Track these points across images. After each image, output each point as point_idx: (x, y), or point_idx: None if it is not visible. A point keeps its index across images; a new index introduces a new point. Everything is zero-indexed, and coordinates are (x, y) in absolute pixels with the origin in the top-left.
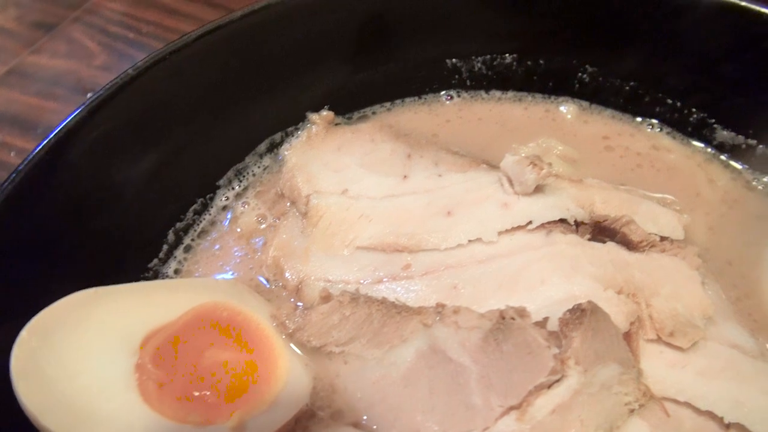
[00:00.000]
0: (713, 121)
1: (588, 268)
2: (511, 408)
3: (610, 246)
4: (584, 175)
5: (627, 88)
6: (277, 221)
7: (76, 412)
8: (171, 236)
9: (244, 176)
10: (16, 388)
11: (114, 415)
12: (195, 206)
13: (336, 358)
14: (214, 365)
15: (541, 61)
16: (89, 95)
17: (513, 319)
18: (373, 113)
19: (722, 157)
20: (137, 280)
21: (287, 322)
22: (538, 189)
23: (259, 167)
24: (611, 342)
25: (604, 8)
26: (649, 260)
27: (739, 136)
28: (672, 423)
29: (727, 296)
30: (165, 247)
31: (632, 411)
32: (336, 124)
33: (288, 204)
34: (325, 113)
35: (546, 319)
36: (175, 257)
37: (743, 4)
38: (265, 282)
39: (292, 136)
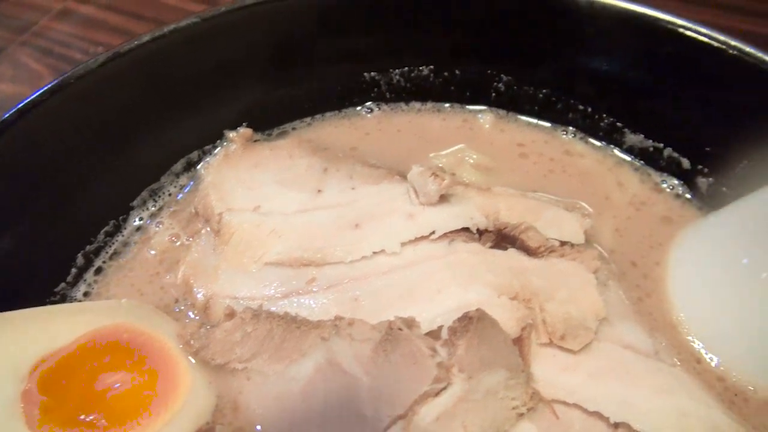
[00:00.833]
0: (622, 125)
1: (485, 275)
2: (399, 417)
3: (511, 253)
4: (498, 183)
5: (541, 95)
6: (190, 240)
7: None
8: (80, 259)
9: (159, 196)
10: None
11: None
12: (107, 228)
13: (239, 374)
14: (106, 388)
15: (457, 72)
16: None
17: (400, 329)
18: (293, 129)
19: (632, 161)
20: (42, 304)
21: (192, 341)
22: (444, 199)
23: (175, 187)
24: (499, 348)
25: (515, 19)
26: (547, 265)
27: (648, 139)
28: (561, 425)
29: (630, 296)
30: (74, 270)
31: (521, 415)
32: (255, 141)
33: (202, 223)
34: (243, 130)
35: (440, 328)
36: (85, 280)
37: (643, 11)
38: (174, 302)
39: (210, 154)
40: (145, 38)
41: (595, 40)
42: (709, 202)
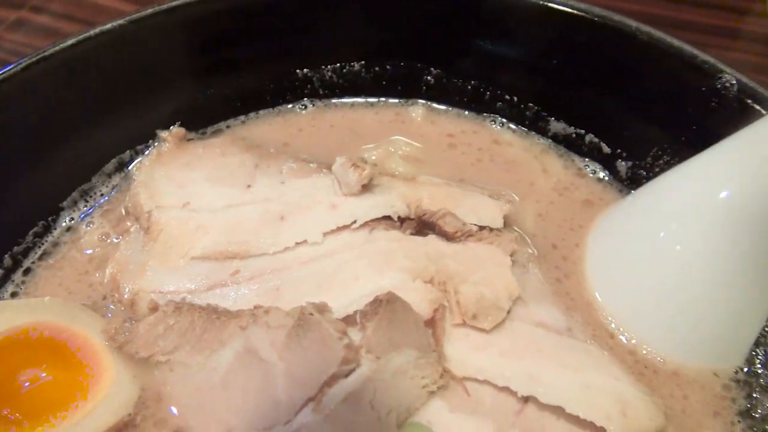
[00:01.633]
0: (546, 114)
1: (402, 261)
2: (309, 399)
3: (430, 239)
4: (427, 173)
5: (469, 87)
6: (120, 239)
7: None
8: (8, 260)
9: (90, 196)
10: None
11: None
12: (36, 229)
13: (163, 367)
14: (22, 384)
15: (388, 67)
16: None
17: (311, 314)
18: (228, 127)
19: (556, 148)
20: None
21: (116, 335)
22: (367, 189)
23: (107, 187)
24: (409, 329)
25: (439, 14)
26: (464, 250)
27: (570, 126)
28: (472, 401)
29: (549, 278)
30: (1, 271)
31: (432, 393)
32: (189, 140)
33: (132, 221)
34: (176, 130)
35: (356, 313)
36: (13, 281)
37: (557, 7)
38: (102, 299)
39: (142, 154)
40: (71, 41)
41: (516, 32)
42: (628, 185)
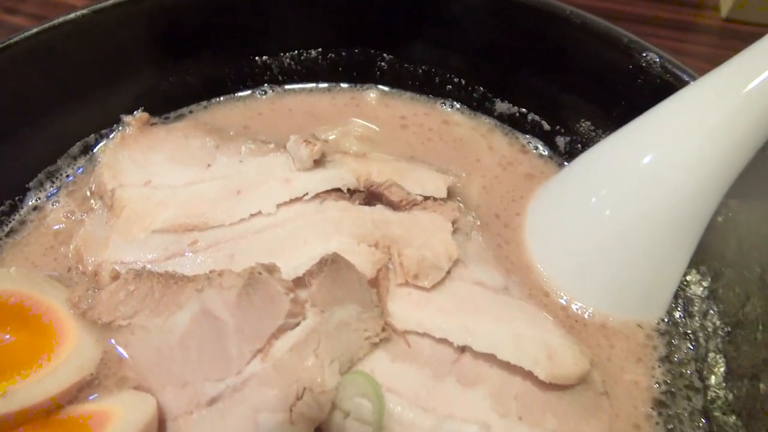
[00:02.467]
0: (492, 95)
1: (350, 228)
2: (258, 351)
3: (377, 208)
4: (380, 152)
5: (421, 71)
6: (84, 216)
7: None
8: None
9: (57, 178)
10: None
11: None
12: (2, 208)
13: (124, 330)
14: None
15: (344, 54)
16: None
17: (260, 273)
18: (190, 112)
19: (502, 126)
20: None
21: (80, 303)
22: (320, 164)
23: (72, 169)
24: (352, 286)
25: (392, 3)
26: (410, 217)
27: (514, 106)
28: (412, 352)
29: (491, 244)
30: None
31: (375, 345)
32: (152, 125)
33: (96, 200)
34: (139, 114)
35: (305, 274)
36: None
37: None
38: (66, 271)
39: (107, 138)
40: (35, 29)
41: (463, 19)
42: (567, 158)
